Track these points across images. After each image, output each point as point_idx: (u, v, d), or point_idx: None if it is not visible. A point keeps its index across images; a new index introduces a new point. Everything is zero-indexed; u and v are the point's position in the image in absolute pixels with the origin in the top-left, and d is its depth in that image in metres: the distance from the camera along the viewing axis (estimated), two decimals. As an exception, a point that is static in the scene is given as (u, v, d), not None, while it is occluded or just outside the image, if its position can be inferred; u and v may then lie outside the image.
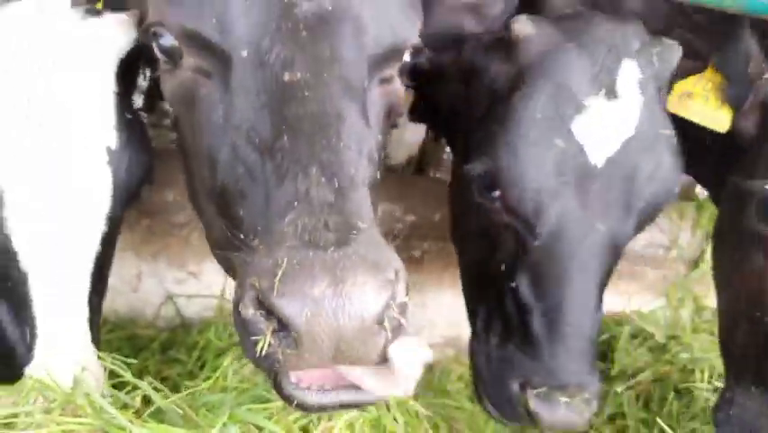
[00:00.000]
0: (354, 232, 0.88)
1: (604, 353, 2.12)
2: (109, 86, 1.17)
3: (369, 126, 1.10)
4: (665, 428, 1.77)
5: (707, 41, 1.50)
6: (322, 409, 0.99)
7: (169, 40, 1.10)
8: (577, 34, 1.37)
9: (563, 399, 1.31)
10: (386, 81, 1.20)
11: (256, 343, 0.90)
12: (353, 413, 1.40)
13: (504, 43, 1.42)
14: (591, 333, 1.36)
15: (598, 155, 1.33)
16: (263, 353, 0.89)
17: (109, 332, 2.04)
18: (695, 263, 2.21)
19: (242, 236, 0.99)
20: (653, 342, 2.09)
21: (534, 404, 1.33)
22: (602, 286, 1.36)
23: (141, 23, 1.25)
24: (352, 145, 1.00)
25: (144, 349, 2.01)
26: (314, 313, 0.83)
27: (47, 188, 1.06)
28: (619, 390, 1.90)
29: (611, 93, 1.34)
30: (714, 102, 1.46)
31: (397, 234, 1.99)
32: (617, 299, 2.22)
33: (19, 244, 1.05)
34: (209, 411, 1.14)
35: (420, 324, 2.04)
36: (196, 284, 2.08)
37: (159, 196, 1.91)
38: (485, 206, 1.38)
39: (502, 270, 1.38)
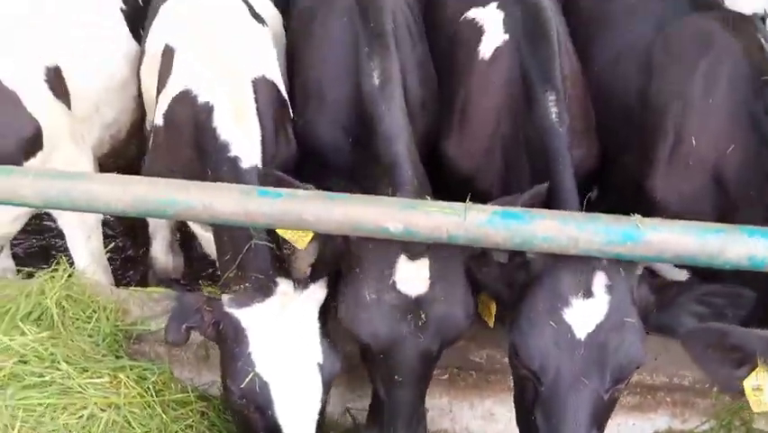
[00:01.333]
0: None
1: (664, 467, 2.75)
2: (316, 325, 2.26)
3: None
4: None
5: None
6: None
7: None
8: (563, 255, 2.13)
9: None
10: None
11: None
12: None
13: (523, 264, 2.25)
14: None
15: (580, 332, 2.06)
16: None
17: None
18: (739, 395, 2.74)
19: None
20: (704, 458, 2.67)
21: None
22: (593, 419, 2.00)
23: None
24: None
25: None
26: None
27: (294, 391, 2.17)
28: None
29: (588, 294, 2.09)
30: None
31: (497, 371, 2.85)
32: (675, 422, 2.83)
33: (281, 419, 2.16)
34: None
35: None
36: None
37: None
38: (515, 364, 2.20)
39: (528, 406, 2.14)
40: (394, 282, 2.16)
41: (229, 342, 2.22)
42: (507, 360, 2.73)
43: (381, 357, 2.20)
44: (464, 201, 2.07)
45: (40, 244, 4.69)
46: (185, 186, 2.10)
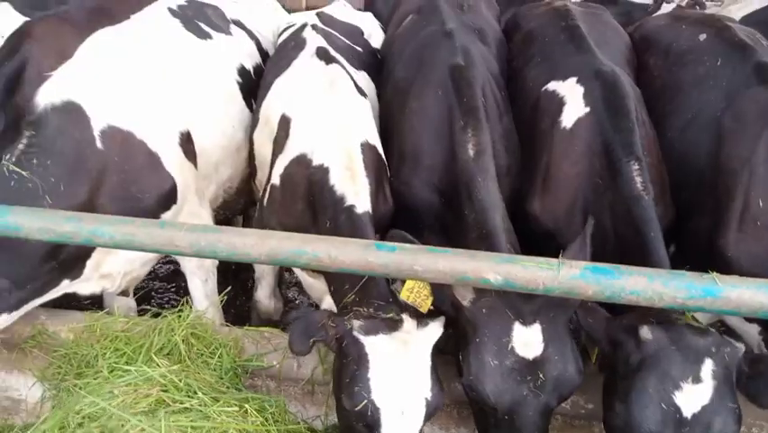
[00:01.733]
0: None
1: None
2: (429, 364, 2.53)
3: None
4: None
5: None
6: None
7: None
8: (676, 340, 2.39)
9: None
10: None
11: None
12: None
13: (634, 333, 2.47)
14: None
15: (687, 412, 2.29)
16: None
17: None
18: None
19: None
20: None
21: None
22: None
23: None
24: None
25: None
26: None
27: (401, 421, 2.43)
28: None
29: (696, 379, 2.32)
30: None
31: (581, 416, 3.05)
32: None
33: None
34: None
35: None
36: None
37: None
38: (621, 428, 2.40)
39: None
40: (513, 348, 2.39)
41: (350, 362, 2.48)
42: (590, 406, 2.98)
43: (506, 417, 2.40)
44: (555, 255, 2.33)
45: (139, 286, 5.21)
46: (313, 239, 2.46)
